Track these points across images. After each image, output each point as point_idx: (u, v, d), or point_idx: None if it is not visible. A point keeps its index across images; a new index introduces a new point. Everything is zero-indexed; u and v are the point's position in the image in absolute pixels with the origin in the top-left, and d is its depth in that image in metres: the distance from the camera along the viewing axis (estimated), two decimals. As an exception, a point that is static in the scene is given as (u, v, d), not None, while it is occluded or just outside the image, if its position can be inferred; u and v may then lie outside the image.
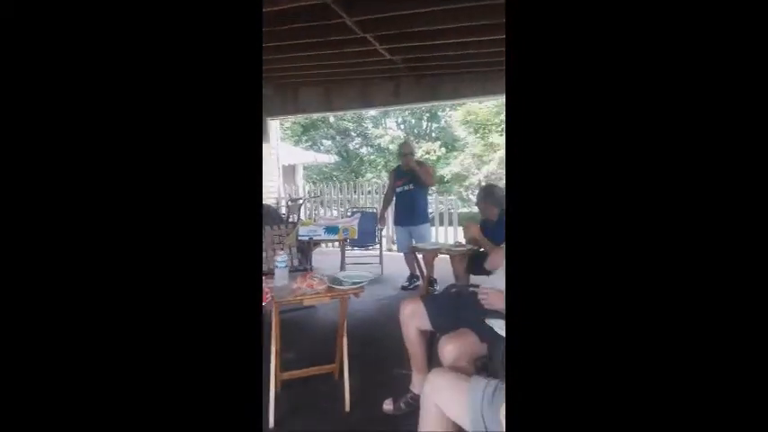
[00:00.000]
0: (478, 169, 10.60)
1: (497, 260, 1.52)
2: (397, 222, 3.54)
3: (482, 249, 2.26)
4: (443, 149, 11.63)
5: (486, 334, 1.24)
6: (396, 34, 2.70)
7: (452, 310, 1.48)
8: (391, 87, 4.01)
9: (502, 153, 10.34)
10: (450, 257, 2.49)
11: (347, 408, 1.62)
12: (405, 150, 3.32)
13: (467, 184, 10.52)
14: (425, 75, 3.75)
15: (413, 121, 13.03)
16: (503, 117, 10.31)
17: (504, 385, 0.95)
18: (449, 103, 8.35)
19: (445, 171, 11.06)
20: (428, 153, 11.34)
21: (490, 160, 10.61)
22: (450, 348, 1.26)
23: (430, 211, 4.33)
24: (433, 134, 12.78)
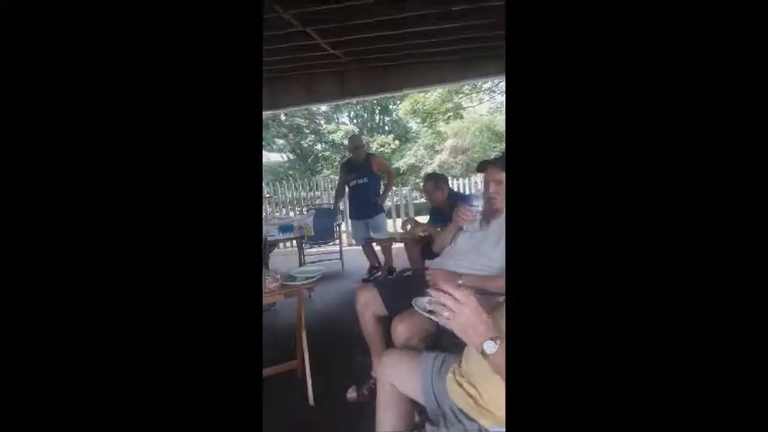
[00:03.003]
0: (431, 159, 10.82)
1: (440, 242, 1.59)
2: (352, 216, 3.56)
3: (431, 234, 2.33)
4: (397, 142, 11.74)
5: (436, 312, 1.30)
6: (335, 28, 2.69)
7: (406, 293, 1.53)
8: (336, 81, 4.00)
9: (451, 142, 10.63)
10: (405, 244, 2.55)
11: (311, 401, 1.64)
12: (355, 143, 3.35)
13: (423, 174, 10.78)
14: (369, 67, 3.77)
15: (365, 115, 13.01)
16: (448, 105, 10.57)
17: (450, 357, 1.02)
18: (394, 94, 8.43)
19: (401, 163, 11.17)
20: (383, 146, 11.40)
21: (442, 149, 10.86)
22: (401, 329, 1.31)
23: (388, 203, 4.37)
24: (386, 127, 12.85)
